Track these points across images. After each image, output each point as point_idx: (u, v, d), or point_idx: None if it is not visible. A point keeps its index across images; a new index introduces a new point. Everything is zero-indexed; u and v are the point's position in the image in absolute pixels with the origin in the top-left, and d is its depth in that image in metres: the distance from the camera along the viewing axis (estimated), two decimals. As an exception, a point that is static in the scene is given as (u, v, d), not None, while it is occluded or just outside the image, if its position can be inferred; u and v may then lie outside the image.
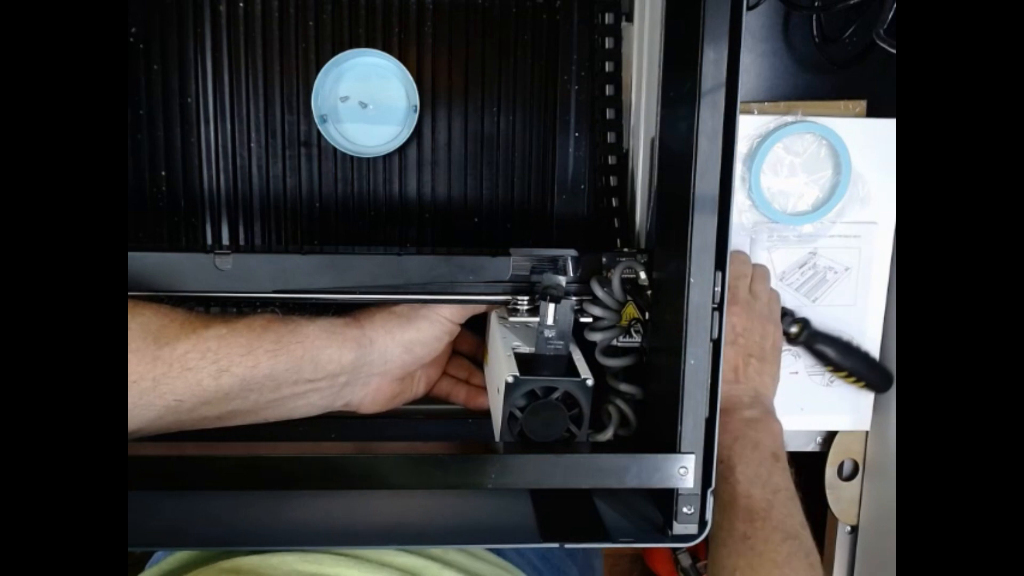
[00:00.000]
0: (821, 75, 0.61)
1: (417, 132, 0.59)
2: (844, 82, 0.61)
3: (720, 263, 0.43)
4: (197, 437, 0.47)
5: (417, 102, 0.58)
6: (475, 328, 0.55)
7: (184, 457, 0.43)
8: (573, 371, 0.47)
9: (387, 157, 0.60)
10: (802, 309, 0.62)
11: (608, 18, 0.58)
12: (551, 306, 0.47)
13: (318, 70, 0.57)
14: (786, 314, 0.60)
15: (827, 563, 0.68)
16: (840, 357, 0.60)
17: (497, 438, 0.47)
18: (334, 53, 0.57)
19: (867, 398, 0.64)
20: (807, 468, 0.68)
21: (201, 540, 0.46)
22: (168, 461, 0.43)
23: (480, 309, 0.52)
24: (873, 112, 0.60)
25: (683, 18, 0.45)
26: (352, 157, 0.59)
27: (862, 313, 0.62)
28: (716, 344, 0.43)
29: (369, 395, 0.50)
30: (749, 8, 0.58)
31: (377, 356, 0.48)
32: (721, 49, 0.42)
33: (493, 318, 0.53)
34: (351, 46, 0.58)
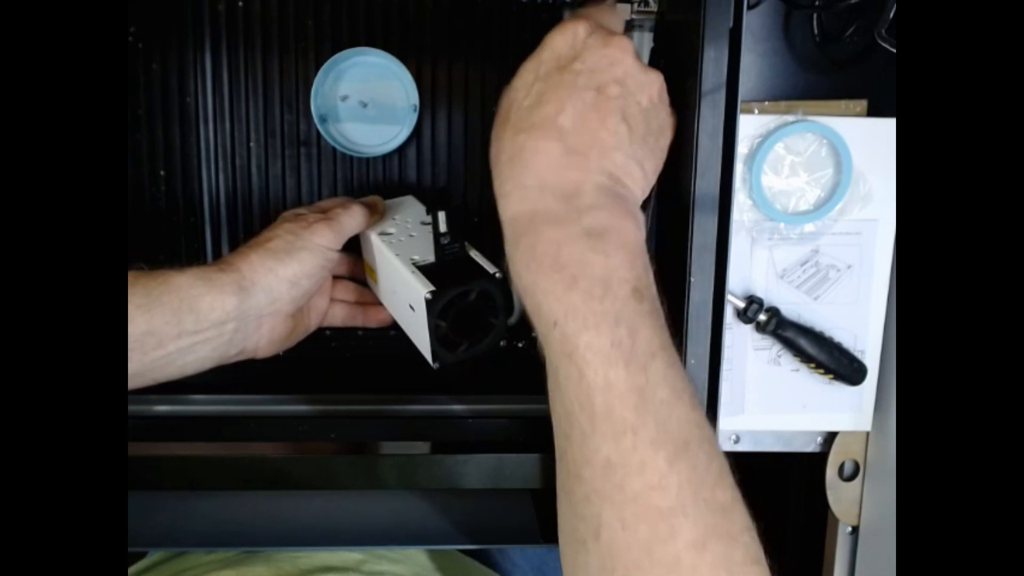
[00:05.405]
0: (822, 75, 0.61)
1: (417, 132, 0.59)
2: (845, 82, 0.61)
3: (720, 263, 0.43)
4: (195, 437, 0.47)
5: (417, 102, 0.58)
6: (349, 249, 0.54)
7: (184, 457, 0.43)
8: (479, 269, 0.48)
9: (387, 157, 0.60)
10: (804, 307, 0.61)
11: (608, 17, 0.58)
12: (442, 214, 0.48)
13: (318, 69, 0.57)
14: (754, 302, 0.60)
15: (827, 563, 0.68)
16: (810, 347, 0.60)
17: (428, 355, 0.48)
18: (334, 52, 0.57)
19: (868, 398, 0.63)
20: (808, 468, 0.67)
21: (200, 540, 0.46)
22: (168, 461, 0.43)
23: (354, 229, 0.52)
24: (874, 112, 0.60)
25: (683, 18, 0.44)
26: (352, 157, 0.59)
27: (864, 310, 0.62)
28: (716, 338, 0.43)
29: (264, 337, 0.50)
30: (749, 7, 0.58)
31: (263, 296, 0.48)
32: (721, 49, 0.42)
33: (374, 237, 0.53)
34: (351, 45, 0.58)
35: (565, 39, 0.39)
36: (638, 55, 0.40)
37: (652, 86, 0.40)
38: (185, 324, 0.45)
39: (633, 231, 0.36)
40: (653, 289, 0.36)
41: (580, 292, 0.33)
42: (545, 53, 0.39)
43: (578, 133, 0.36)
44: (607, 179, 0.37)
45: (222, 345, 0.47)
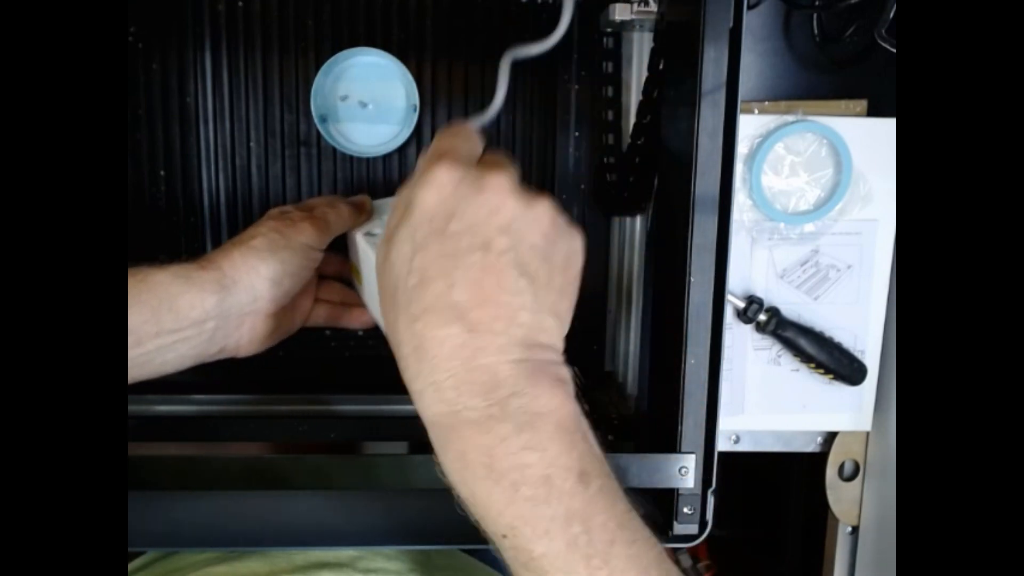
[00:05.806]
0: (822, 75, 0.61)
1: (417, 132, 0.59)
2: (845, 82, 0.61)
3: (720, 263, 0.43)
4: (194, 437, 0.47)
5: (417, 102, 0.58)
6: (337, 248, 0.54)
7: (182, 457, 0.43)
8: None
9: (387, 157, 0.60)
10: (804, 307, 0.61)
11: (608, 18, 0.58)
12: None
13: (318, 69, 0.57)
14: (754, 302, 0.60)
15: (828, 563, 0.68)
16: (810, 347, 0.60)
17: None
18: (334, 52, 0.57)
19: (868, 398, 0.63)
20: (808, 468, 0.67)
21: (198, 540, 0.46)
22: (166, 461, 0.43)
23: (340, 229, 0.51)
24: (874, 112, 0.60)
25: (683, 18, 0.44)
26: (352, 157, 0.59)
27: (864, 310, 0.62)
28: (716, 338, 0.43)
29: (245, 336, 0.49)
30: (749, 7, 0.58)
31: (244, 295, 0.47)
32: (721, 49, 0.42)
33: (359, 238, 0.51)
34: (351, 45, 0.58)
35: (432, 195, 0.34)
36: (517, 186, 0.35)
37: (542, 219, 0.35)
38: (164, 322, 0.44)
39: (563, 402, 0.33)
40: (597, 457, 0.34)
41: (524, 500, 0.32)
42: (415, 216, 0.34)
43: (477, 306, 0.33)
44: (522, 350, 0.33)
45: (202, 343, 0.47)
